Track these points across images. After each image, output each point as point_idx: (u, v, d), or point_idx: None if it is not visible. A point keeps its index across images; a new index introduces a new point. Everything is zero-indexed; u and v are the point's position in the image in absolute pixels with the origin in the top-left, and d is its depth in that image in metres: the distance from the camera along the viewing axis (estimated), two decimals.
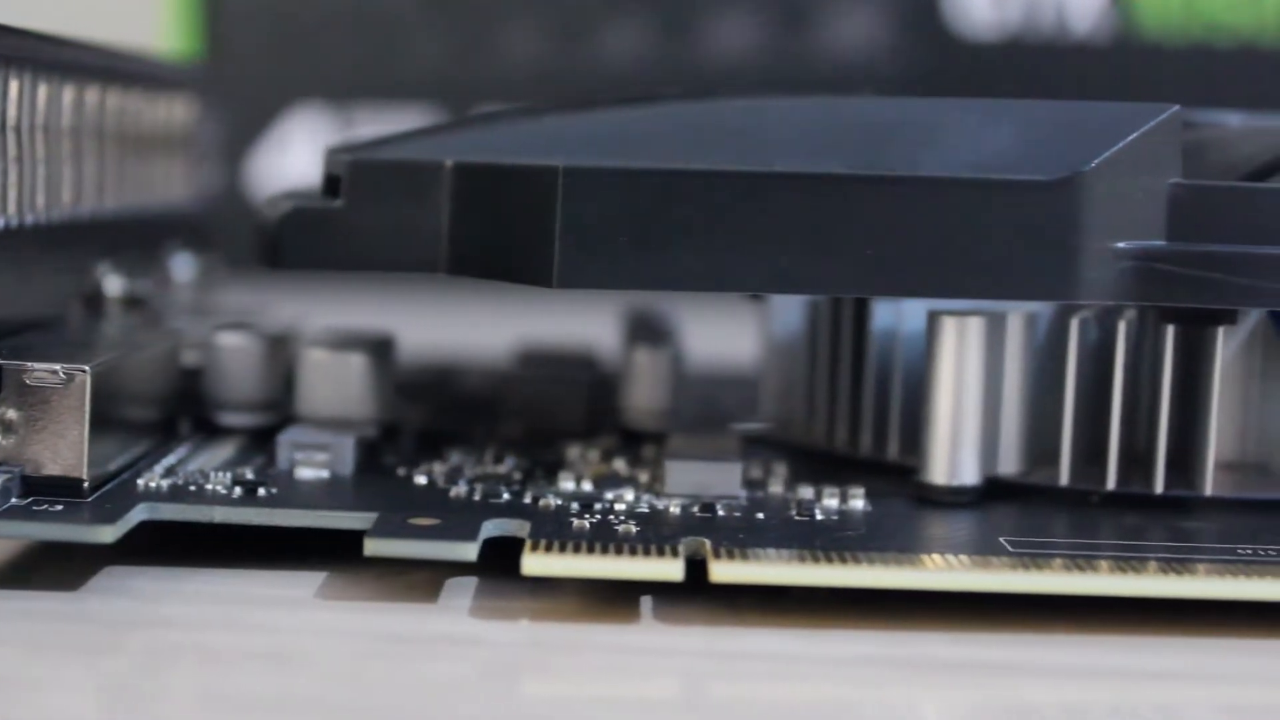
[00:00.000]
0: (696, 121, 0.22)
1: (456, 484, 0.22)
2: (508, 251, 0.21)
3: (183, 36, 0.51)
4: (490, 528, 0.20)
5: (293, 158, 0.50)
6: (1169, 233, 0.21)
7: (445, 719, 0.17)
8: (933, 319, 0.22)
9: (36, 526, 0.20)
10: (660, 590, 0.20)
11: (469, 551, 0.19)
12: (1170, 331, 0.22)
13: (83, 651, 0.18)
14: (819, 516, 0.21)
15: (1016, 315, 0.23)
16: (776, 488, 0.23)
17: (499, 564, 0.20)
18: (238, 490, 0.21)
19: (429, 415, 0.26)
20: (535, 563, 0.19)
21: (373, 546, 0.19)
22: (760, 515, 0.21)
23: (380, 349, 0.24)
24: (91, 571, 0.21)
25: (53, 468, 0.20)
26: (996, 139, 0.21)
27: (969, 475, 0.22)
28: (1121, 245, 0.21)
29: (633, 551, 0.19)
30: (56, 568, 0.21)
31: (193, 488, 0.21)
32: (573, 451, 0.24)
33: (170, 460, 0.23)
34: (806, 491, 0.22)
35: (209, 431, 0.24)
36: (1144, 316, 0.23)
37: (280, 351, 0.25)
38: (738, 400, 0.28)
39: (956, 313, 0.22)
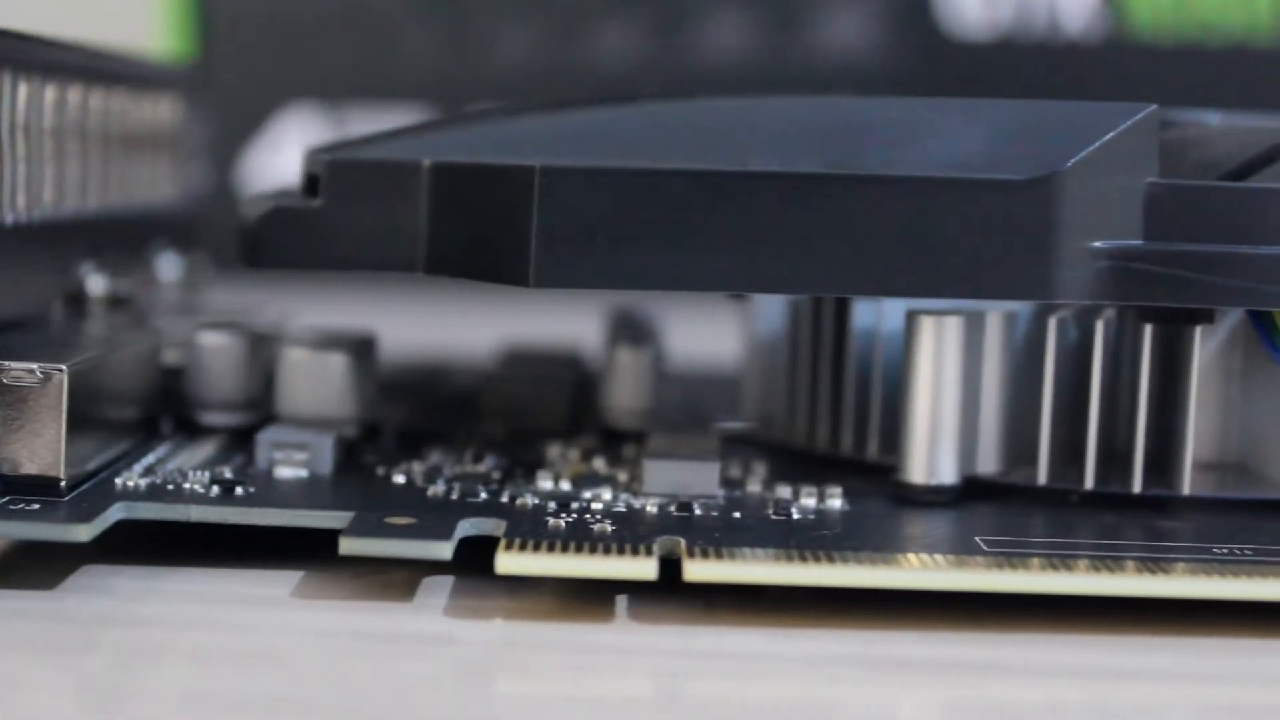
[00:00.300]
0: (674, 121, 0.22)
1: (435, 483, 0.22)
2: (485, 251, 0.21)
3: (176, 36, 0.51)
4: (466, 527, 0.20)
5: (286, 157, 0.50)
6: (1146, 232, 0.21)
7: (418, 717, 0.17)
8: (911, 319, 0.22)
9: (13, 525, 0.20)
10: (636, 590, 0.20)
11: (444, 551, 0.19)
12: (1148, 331, 0.22)
13: (60, 650, 0.18)
14: (796, 516, 0.21)
15: (995, 315, 0.23)
16: (755, 487, 0.23)
17: (477, 563, 0.20)
18: (215, 489, 0.21)
19: (412, 415, 0.26)
20: (509, 561, 0.19)
21: (348, 545, 0.19)
22: (737, 514, 0.21)
23: (361, 349, 0.24)
24: (69, 570, 0.21)
25: (30, 467, 0.20)
26: (973, 138, 0.21)
27: (947, 475, 0.22)
28: (1098, 245, 0.21)
29: (607, 551, 0.19)
30: (34, 567, 0.21)
31: (171, 487, 0.21)
32: (553, 451, 0.24)
33: (150, 460, 0.23)
34: (784, 491, 0.22)
35: (190, 431, 0.24)
36: (1122, 316, 0.23)
37: (262, 351, 0.25)
38: (721, 400, 0.28)
39: (934, 312, 0.22)
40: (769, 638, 0.19)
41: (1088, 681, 0.19)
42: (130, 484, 0.21)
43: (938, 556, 0.20)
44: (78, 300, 0.26)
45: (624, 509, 0.21)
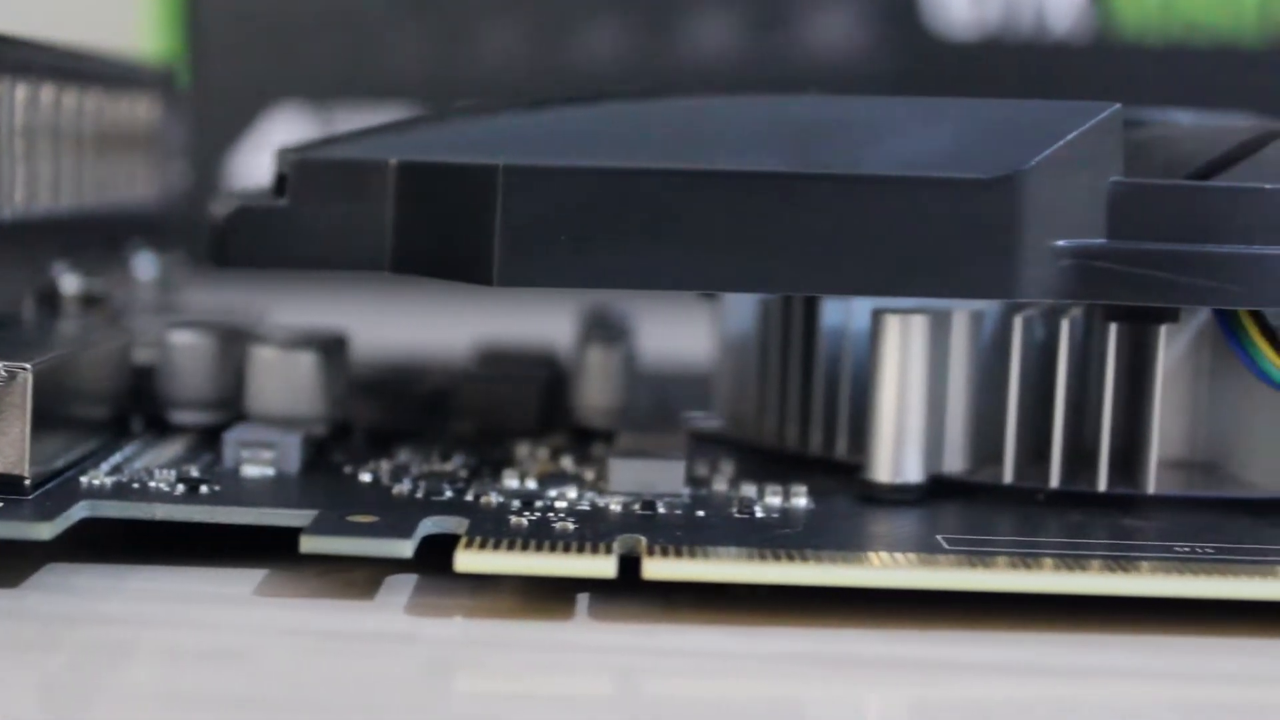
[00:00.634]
0: (640, 120, 0.22)
1: (401, 482, 0.22)
2: (450, 250, 0.21)
3: (163, 36, 0.51)
4: (428, 525, 0.20)
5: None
6: (1109, 231, 0.21)
7: (377, 715, 0.17)
8: (877, 317, 0.22)
9: None
10: (598, 588, 0.20)
11: (404, 549, 0.19)
12: (1113, 330, 0.22)
13: (22, 648, 0.18)
14: (760, 514, 0.21)
15: (961, 314, 0.23)
16: (721, 486, 0.23)
17: (442, 562, 0.20)
18: (181, 488, 0.21)
19: (385, 414, 0.26)
20: (468, 559, 0.19)
21: (309, 544, 0.19)
22: (701, 513, 0.21)
23: (331, 348, 0.24)
24: (33, 569, 0.21)
25: None
26: (938, 137, 0.21)
27: (913, 473, 0.22)
28: (1061, 244, 0.21)
29: (567, 549, 0.19)
30: None
31: (136, 486, 0.21)
32: (522, 450, 0.24)
33: (117, 459, 0.23)
34: (750, 490, 0.22)
35: (161, 430, 0.24)
36: (1089, 315, 0.23)
37: (233, 350, 0.25)
38: (694, 398, 0.28)
39: (900, 311, 0.22)
40: (731, 636, 0.19)
41: (1053, 680, 0.19)
42: (96, 482, 0.21)
43: (901, 555, 0.20)
44: (51, 299, 0.26)
45: (588, 508, 0.21)
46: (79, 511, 0.20)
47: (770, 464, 0.24)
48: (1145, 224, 0.21)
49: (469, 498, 0.22)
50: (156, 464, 0.22)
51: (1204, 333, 0.23)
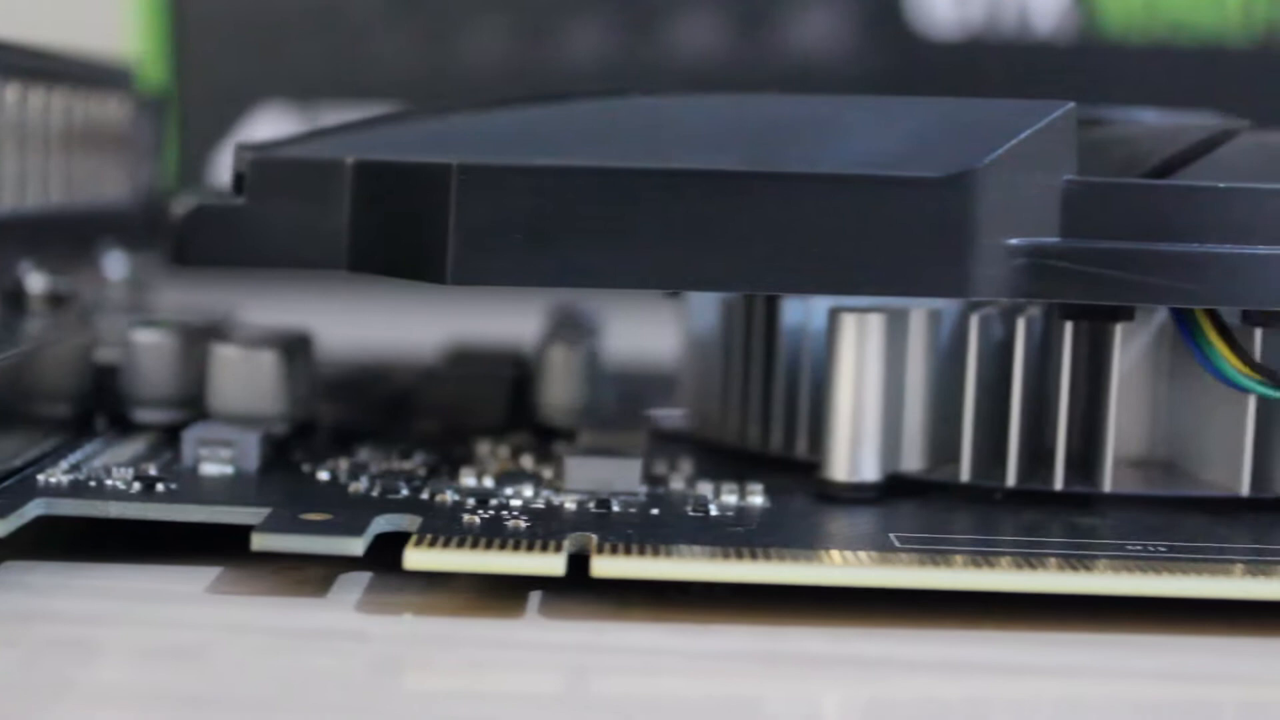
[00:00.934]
0: (596, 119, 0.22)
1: (358, 480, 0.22)
2: (405, 248, 0.21)
3: (148, 36, 0.51)
4: (381, 523, 0.20)
5: None
6: (1063, 229, 0.21)
7: (325, 713, 0.17)
8: (834, 316, 0.22)
9: None
10: (549, 586, 0.20)
11: (355, 546, 0.19)
12: (1069, 329, 0.22)
13: None
14: (714, 513, 0.21)
15: (919, 312, 0.23)
16: (678, 484, 0.23)
17: (397, 560, 0.20)
18: (137, 486, 0.21)
19: (349, 412, 0.26)
20: (417, 557, 0.19)
21: (260, 541, 0.20)
22: (655, 511, 0.21)
23: (294, 347, 0.24)
24: None
25: None
26: (893, 136, 0.21)
27: (870, 472, 0.22)
28: (1015, 242, 0.21)
29: (517, 547, 0.19)
30: None
31: (93, 483, 0.21)
32: (483, 448, 0.24)
33: (77, 456, 0.23)
34: (707, 488, 0.22)
35: (124, 428, 0.24)
36: (1046, 314, 0.23)
37: (196, 349, 0.25)
38: (659, 397, 0.28)
39: (857, 310, 0.22)
40: (683, 635, 0.19)
41: (1008, 677, 0.19)
42: (53, 480, 0.21)
43: (857, 554, 0.20)
44: (17, 298, 0.26)
45: (543, 506, 0.21)
46: (34, 509, 0.20)
47: (731, 463, 0.24)
48: (1099, 222, 0.21)
49: (424, 496, 0.22)
50: (116, 462, 0.22)
51: (1163, 331, 0.23)
